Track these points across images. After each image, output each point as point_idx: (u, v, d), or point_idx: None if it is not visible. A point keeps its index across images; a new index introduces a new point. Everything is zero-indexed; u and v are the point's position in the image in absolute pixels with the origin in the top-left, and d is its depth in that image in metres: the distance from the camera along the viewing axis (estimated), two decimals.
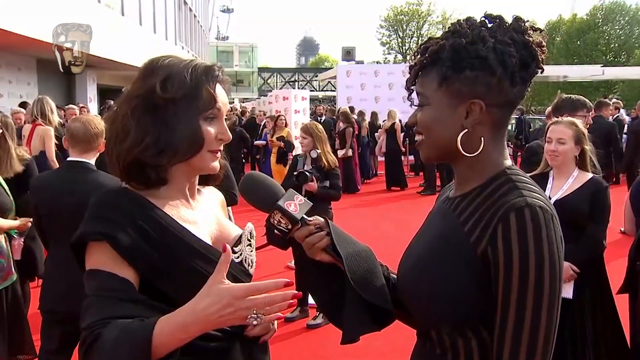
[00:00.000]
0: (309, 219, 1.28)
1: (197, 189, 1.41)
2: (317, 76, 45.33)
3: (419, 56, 1.21)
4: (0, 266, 3.09)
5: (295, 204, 1.26)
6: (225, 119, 1.34)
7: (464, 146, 1.16)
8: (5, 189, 3.19)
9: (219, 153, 1.32)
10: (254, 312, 1.05)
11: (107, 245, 1.17)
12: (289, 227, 1.26)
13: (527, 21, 1.17)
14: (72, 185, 2.80)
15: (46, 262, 3.01)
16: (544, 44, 1.16)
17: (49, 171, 3.19)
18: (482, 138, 1.17)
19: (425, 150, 1.23)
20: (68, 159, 2.94)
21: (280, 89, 38.60)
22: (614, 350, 2.94)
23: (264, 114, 13.77)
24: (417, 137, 1.25)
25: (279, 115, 9.77)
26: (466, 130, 1.15)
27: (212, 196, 1.48)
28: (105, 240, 1.17)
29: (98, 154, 2.92)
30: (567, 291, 2.89)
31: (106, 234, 1.17)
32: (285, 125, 9.47)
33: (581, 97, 3.82)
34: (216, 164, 1.32)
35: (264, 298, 1.06)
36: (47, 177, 3.06)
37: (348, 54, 21.65)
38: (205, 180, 1.42)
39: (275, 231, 1.28)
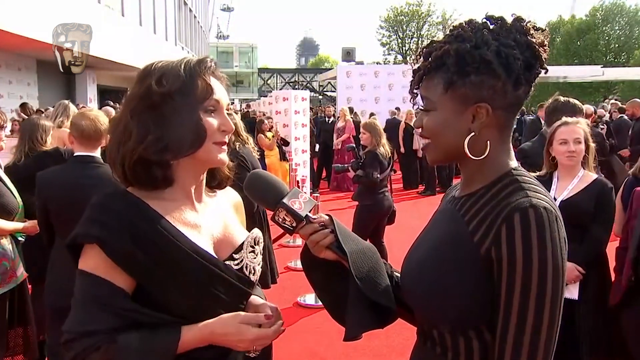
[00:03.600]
0: (314, 216, 1.28)
1: (210, 191, 1.41)
2: (316, 77, 45.34)
3: (422, 60, 1.20)
4: (4, 269, 3.06)
5: (300, 202, 1.26)
6: (228, 113, 1.33)
7: (470, 150, 1.16)
8: (11, 190, 3.18)
9: (225, 145, 1.31)
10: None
11: (99, 249, 1.18)
12: (294, 224, 1.26)
13: (529, 21, 1.17)
14: (82, 179, 2.81)
15: (51, 257, 3.01)
16: (546, 43, 1.16)
17: (56, 166, 3.18)
18: (489, 141, 1.17)
19: (432, 153, 1.23)
20: (76, 154, 2.93)
21: (281, 89, 38.62)
22: (618, 351, 2.94)
23: (263, 114, 13.77)
24: (424, 141, 1.25)
25: (261, 120, 9.81)
26: (473, 133, 1.16)
27: (225, 198, 1.47)
28: (97, 244, 1.18)
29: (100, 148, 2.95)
30: (573, 292, 2.90)
31: (99, 237, 1.18)
32: (270, 129, 9.50)
33: (573, 101, 3.81)
34: (223, 157, 1.31)
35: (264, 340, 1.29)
36: (55, 172, 3.05)
37: (348, 55, 21.68)
38: (214, 183, 1.41)
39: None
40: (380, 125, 5.60)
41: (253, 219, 3.96)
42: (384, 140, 5.47)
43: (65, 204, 2.79)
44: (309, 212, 1.27)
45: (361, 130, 5.63)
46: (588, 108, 8.23)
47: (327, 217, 1.29)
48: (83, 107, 11.52)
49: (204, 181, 1.37)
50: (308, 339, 4.42)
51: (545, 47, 1.16)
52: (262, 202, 1.30)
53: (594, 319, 2.90)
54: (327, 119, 13.56)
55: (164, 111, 1.24)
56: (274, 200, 1.27)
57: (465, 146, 1.16)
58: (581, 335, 2.86)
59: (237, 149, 4.01)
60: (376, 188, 5.33)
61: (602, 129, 8.76)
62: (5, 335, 3.11)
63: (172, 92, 1.24)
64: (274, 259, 4.72)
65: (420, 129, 1.23)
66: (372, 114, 14.81)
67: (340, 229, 1.27)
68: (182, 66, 1.27)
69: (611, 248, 3.15)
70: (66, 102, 5.18)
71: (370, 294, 1.24)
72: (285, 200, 1.25)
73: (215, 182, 1.41)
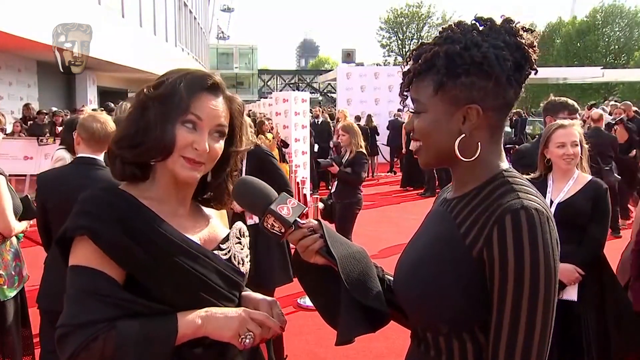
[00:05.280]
0: (302, 222, 1.27)
1: (198, 206, 1.42)
2: (316, 78, 45.35)
3: (411, 62, 1.21)
4: (18, 270, 3.13)
5: (289, 207, 1.26)
6: (215, 133, 1.30)
7: (461, 151, 1.16)
8: (13, 191, 3.21)
9: (201, 166, 1.29)
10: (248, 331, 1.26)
11: (90, 241, 1.18)
12: (282, 230, 1.26)
13: (518, 22, 1.17)
14: (83, 181, 2.78)
15: (47, 260, 3.00)
16: (535, 44, 1.17)
17: (59, 167, 3.21)
18: (480, 142, 1.17)
19: (423, 156, 1.23)
20: (79, 155, 2.94)
21: (281, 90, 38.64)
22: (618, 352, 2.95)
23: (263, 115, 13.77)
24: (415, 144, 1.24)
25: (262, 121, 9.81)
26: (463, 135, 1.16)
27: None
28: (87, 235, 1.18)
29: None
30: (571, 293, 2.90)
31: (89, 228, 1.18)
32: (271, 130, 9.51)
33: (564, 99, 3.87)
34: (191, 174, 1.28)
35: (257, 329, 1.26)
36: (57, 172, 3.08)
37: (348, 56, 21.71)
38: (212, 202, 1.43)
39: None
40: (357, 127, 5.87)
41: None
42: (362, 141, 5.67)
43: (63, 204, 2.76)
44: (298, 217, 1.27)
45: (340, 132, 5.83)
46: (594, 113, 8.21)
47: (316, 222, 1.29)
48: (83, 107, 11.52)
49: (190, 194, 1.37)
50: (309, 340, 4.42)
51: (534, 48, 1.16)
52: (250, 208, 1.30)
53: (593, 319, 2.90)
54: (315, 120, 13.58)
55: (148, 115, 1.27)
56: (262, 207, 1.26)
57: (456, 148, 1.16)
58: (580, 337, 2.86)
59: (263, 146, 3.94)
60: (358, 186, 5.54)
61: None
62: (20, 336, 3.14)
63: (154, 98, 1.27)
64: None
65: (411, 132, 1.23)
66: (369, 116, 14.87)
67: (330, 234, 1.27)
68: (177, 77, 1.29)
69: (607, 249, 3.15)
70: (126, 103, 5.24)
71: (360, 298, 1.23)
72: (272, 207, 1.25)
73: (213, 202, 1.42)
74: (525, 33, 1.16)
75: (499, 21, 1.17)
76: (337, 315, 1.27)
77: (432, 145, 1.20)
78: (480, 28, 1.17)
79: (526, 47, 1.15)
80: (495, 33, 1.15)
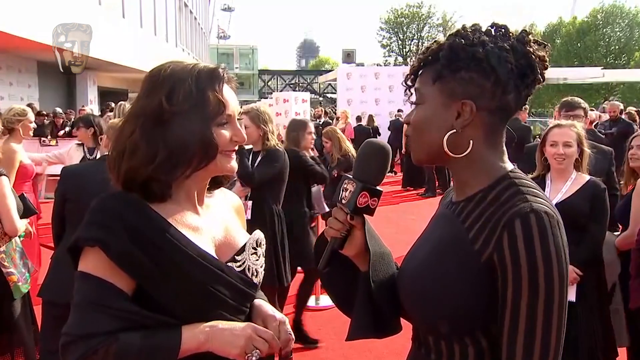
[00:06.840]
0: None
1: (209, 192, 1.40)
2: (317, 78, 45.36)
3: (420, 56, 1.22)
4: (27, 267, 3.20)
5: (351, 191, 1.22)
6: (239, 118, 1.32)
7: (450, 147, 1.15)
8: (14, 191, 3.26)
9: (234, 153, 1.30)
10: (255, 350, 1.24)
11: (101, 251, 1.17)
12: (351, 209, 1.21)
13: (531, 33, 1.18)
14: (106, 177, 2.84)
15: (58, 252, 3.05)
16: (546, 58, 1.17)
17: (84, 162, 3.29)
18: (472, 141, 1.16)
19: (415, 150, 1.23)
20: (105, 153, 3.04)
21: (281, 91, 38.63)
22: (616, 352, 2.96)
23: None
24: (409, 137, 1.25)
25: None
26: (454, 130, 1.15)
27: (224, 200, 1.46)
28: (99, 247, 1.17)
29: None
30: (570, 294, 2.89)
31: (100, 239, 1.17)
32: None
33: (565, 99, 3.97)
34: (233, 164, 1.30)
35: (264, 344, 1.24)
36: (82, 166, 3.19)
37: (348, 57, 21.72)
38: (214, 185, 1.40)
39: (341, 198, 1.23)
40: (340, 132, 6.05)
41: (271, 219, 3.93)
42: (347, 145, 5.83)
43: (84, 196, 2.79)
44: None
45: (323, 139, 5.99)
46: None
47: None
48: (83, 107, 11.54)
49: (207, 184, 1.36)
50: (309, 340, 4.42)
51: (545, 63, 1.16)
52: (364, 168, 1.23)
53: (591, 320, 2.90)
54: (318, 120, 13.57)
55: (174, 129, 1.22)
56: (375, 178, 1.22)
57: (445, 142, 1.15)
58: (579, 337, 2.86)
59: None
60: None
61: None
62: (31, 333, 3.17)
63: (183, 111, 1.22)
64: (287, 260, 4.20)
65: (408, 124, 1.23)
66: (370, 117, 14.88)
67: (368, 227, 1.26)
68: (194, 80, 1.24)
69: None
70: (125, 103, 5.28)
71: (380, 300, 1.23)
72: (363, 184, 1.21)
73: (215, 183, 1.40)
74: (538, 46, 1.16)
75: (514, 31, 1.18)
76: (352, 310, 1.28)
77: (424, 138, 1.19)
78: (494, 33, 1.17)
79: (533, 56, 1.14)
80: (503, 37, 1.16)
